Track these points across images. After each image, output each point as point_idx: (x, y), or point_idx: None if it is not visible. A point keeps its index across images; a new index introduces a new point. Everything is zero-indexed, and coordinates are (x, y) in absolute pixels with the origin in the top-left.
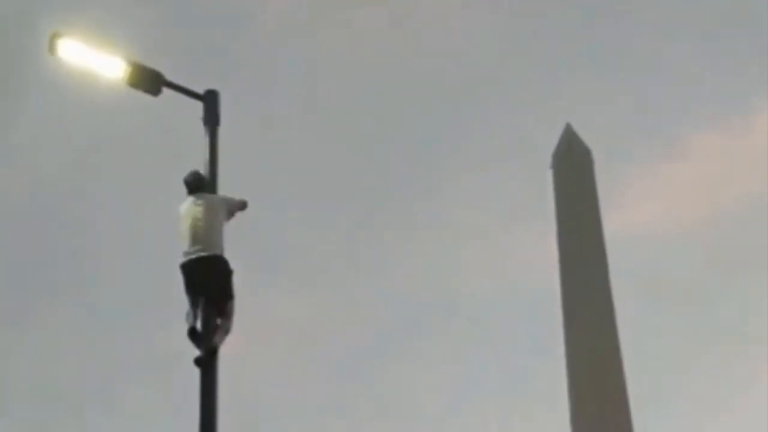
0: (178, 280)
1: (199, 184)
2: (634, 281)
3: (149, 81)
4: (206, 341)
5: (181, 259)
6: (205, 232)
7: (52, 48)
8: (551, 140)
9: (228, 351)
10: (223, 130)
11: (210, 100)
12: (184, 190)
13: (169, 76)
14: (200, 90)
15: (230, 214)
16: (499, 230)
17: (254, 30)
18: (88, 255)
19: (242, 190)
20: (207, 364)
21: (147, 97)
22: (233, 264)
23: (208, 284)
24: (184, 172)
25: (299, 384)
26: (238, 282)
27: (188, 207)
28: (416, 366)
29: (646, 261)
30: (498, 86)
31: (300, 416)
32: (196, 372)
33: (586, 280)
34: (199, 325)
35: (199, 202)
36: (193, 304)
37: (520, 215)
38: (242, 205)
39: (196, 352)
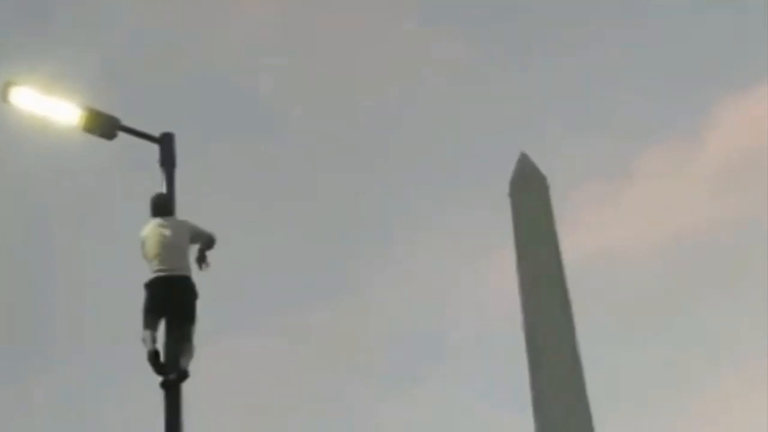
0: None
1: (168, 207)
2: (593, 302)
3: (104, 126)
4: (173, 364)
5: (149, 277)
6: (174, 253)
7: (5, 96)
8: (509, 168)
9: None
10: (179, 172)
11: (166, 143)
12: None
13: (125, 120)
14: (156, 133)
15: (193, 240)
16: (462, 257)
17: (208, 72)
18: (42, 300)
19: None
20: (176, 386)
21: (103, 142)
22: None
23: (175, 305)
24: (143, 215)
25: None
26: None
27: (154, 228)
28: (385, 397)
29: (603, 282)
30: (454, 116)
31: None
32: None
33: (547, 302)
34: (158, 348)
35: (166, 224)
36: (151, 326)
37: (481, 243)
38: (209, 241)
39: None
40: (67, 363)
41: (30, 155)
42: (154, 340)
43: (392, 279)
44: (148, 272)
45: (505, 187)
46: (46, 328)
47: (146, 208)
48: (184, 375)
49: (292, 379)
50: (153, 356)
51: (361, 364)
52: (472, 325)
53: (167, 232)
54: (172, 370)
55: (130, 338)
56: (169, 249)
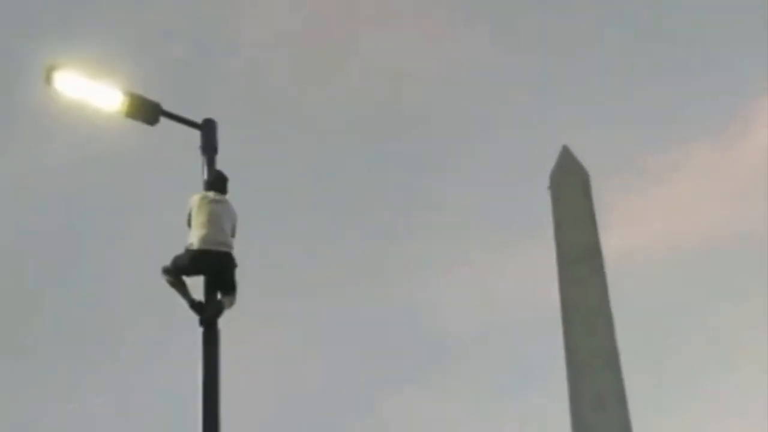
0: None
1: (224, 185)
2: (632, 297)
3: (147, 111)
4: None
5: (197, 245)
6: (220, 228)
7: (48, 80)
8: (549, 161)
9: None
10: (220, 158)
11: (207, 129)
12: (181, 218)
13: (166, 106)
14: (198, 119)
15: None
16: (498, 249)
17: (246, 58)
18: (81, 285)
19: (240, 218)
20: (213, 320)
21: (144, 127)
22: None
23: (217, 279)
24: (183, 201)
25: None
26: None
27: (205, 199)
28: (413, 394)
29: (642, 277)
30: (496, 109)
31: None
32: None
33: (586, 297)
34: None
35: (218, 199)
36: (174, 275)
37: (519, 235)
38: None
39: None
40: (119, 326)
41: (72, 139)
42: (184, 284)
43: (428, 269)
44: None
45: (545, 180)
46: (78, 304)
47: (186, 193)
48: (220, 307)
49: (317, 368)
50: (197, 304)
51: (394, 353)
52: (506, 319)
53: (218, 207)
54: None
55: (170, 308)
56: (218, 225)
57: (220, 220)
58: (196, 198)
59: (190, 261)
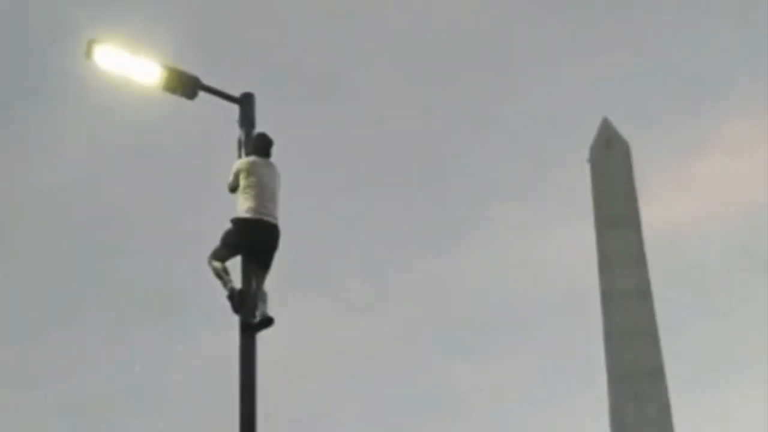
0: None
1: (269, 148)
2: (671, 271)
3: (185, 85)
4: (254, 309)
5: (244, 215)
6: (271, 198)
7: (89, 54)
8: (589, 134)
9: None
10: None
11: (246, 103)
12: (219, 194)
13: (203, 79)
14: (236, 93)
15: None
16: (537, 223)
17: (288, 33)
18: (119, 256)
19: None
20: (261, 329)
21: (183, 101)
22: None
23: (261, 251)
24: (220, 175)
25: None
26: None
27: (257, 166)
28: (457, 364)
29: (682, 251)
30: (535, 81)
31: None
32: None
33: (625, 269)
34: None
35: (268, 165)
36: (224, 259)
37: (558, 207)
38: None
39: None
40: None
41: (112, 113)
42: (228, 272)
43: (466, 244)
44: (229, 211)
45: (585, 152)
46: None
47: (224, 167)
48: (269, 321)
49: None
50: (237, 294)
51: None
52: (546, 291)
53: (270, 174)
54: (252, 313)
55: (206, 290)
56: (270, 193)
57: (271, 188)
58: (243, 163)
59: (239, 233)
